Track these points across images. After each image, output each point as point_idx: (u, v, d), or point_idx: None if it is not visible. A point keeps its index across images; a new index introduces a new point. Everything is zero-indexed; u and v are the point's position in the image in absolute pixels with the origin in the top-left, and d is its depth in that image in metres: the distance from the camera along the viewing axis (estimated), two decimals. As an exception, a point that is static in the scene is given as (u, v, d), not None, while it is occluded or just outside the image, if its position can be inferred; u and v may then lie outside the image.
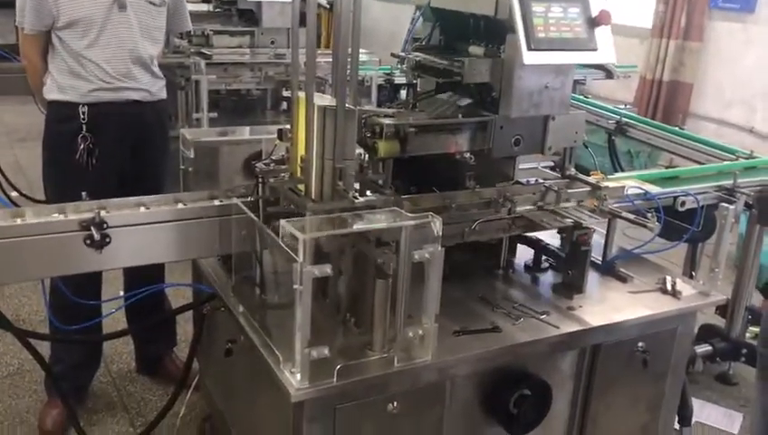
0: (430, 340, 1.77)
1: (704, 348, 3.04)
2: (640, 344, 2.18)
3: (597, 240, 2.31)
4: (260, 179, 1.94)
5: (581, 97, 4.10)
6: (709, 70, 6.18)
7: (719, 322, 3.17)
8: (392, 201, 1.85)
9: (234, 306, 2.01)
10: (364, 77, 4.63)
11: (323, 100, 1.76)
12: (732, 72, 5.97)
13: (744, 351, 3.08)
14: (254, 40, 4.42)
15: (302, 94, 1.78)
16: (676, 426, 2.58)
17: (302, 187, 1.86)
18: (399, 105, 2.41)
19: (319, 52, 4.07)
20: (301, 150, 1.84)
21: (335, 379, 1.67)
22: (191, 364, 2.37)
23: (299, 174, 1.87)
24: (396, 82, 4.78)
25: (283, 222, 1.62)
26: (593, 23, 2.02)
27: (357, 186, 1.93)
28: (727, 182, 2.57)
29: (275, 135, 2.10)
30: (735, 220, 2.48)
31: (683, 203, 2.44)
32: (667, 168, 2.73)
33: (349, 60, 1.88)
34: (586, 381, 2.17)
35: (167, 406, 2.41)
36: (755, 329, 3.57)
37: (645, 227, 2.12)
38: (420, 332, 1.77)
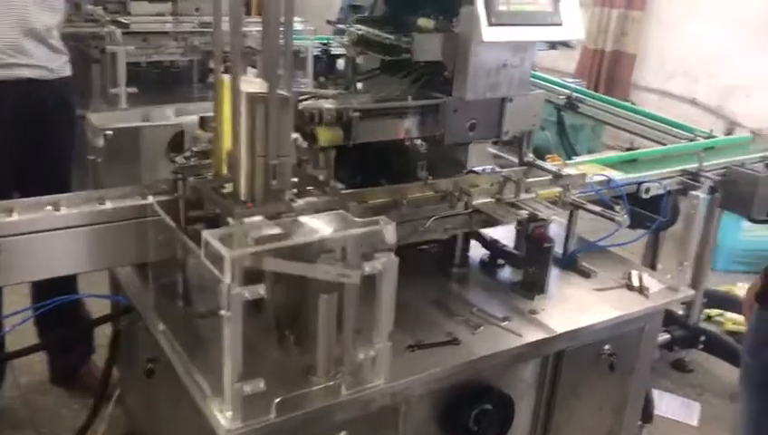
0: (383, 361, 1.54)
1: (662, 337, 2.92)
2: (606, 347, 2.01)
3: (554, 229, 2.12)
4: (179, 177, 1.65)
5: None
6: (651, 40, 6.08)
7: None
8: (337, 202, 1.60)
9: (153, 323, 1.74)
10: (299, 48, 4.31)
11: (252, 84, 1.48)
12: (674, 43, 5.88)
13: (703, 338, 2.98)
14: (176, 7, 4.02)
15: (226, 77, 1.50)
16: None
17: (229, 187, 1.58)
18: (339, 84, 2.14)
19: (249, 20, 3.74)
20: (227, 144, 1.56)
21: (273, 414, 1.43)
22: (108, 380, 2.09)
23: (225, 171, 1.59)
24: (333, 52, 4.48)
25: (205, 234, 1.35)
26: (558, -6, 1.80)
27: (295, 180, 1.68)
28: (692, 166, 2.41)
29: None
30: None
31: (647, 190, 2.27)
32: (628, 149, 2.55)
33: (282, 33, 1.60)
34: (549, 388, 1.98)
35: (85, 424, 2.12)
36: (709, 311, 3.50)
37: (613, 220, 1.93)
38: (372, 353, 1.53)
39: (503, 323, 1.85)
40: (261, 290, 1.34)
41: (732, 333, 3.47)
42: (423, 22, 2.01)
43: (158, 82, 4.21)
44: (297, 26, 4.39)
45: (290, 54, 1.57)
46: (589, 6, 6.36)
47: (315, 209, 1.53)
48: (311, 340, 1.56)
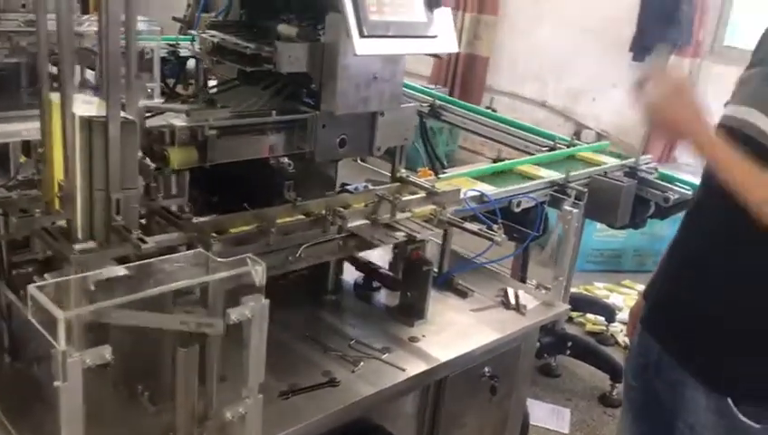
0: (253, 418, 1.36)
1: (532, 345, 2.93)
2: (486, 369, 1.94)
3: (427, 248, 2.02)
4: (0, 213, 1.37)
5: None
6: (504, 44, 6.23)
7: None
8: (195, 237, 1.39)
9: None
10: (143, 48, 3.96)
11: (88, 105, 1.24)
12: (525, 47, 6.06)
13: (570, 344, 3.02)
14: (-2, 2, 3.57)
15: (54, 97, 1.25)
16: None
17: (63, 223, 1.33)
18: (192, 97, 1.92)
19: (87, 18, 3.35)
20: (59, 174, 1.31)
21: (125, 495, 1.21)
22: None
23: (58, 206, 1.34)
24: (182, 54, 4.16)
25: (32, 289, 1.10)
26: (431, 3, 1.68)
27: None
28: (559, 177, 2.40)
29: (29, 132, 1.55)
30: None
31: (519, 203, 2.23)
32: (495, 160, 2.52)
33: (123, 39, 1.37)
34: (431, 418, 1.88)
35: None
36: (570, 313, 3.58)
37: (492, 240, 1.85)
38: (241, 409, 1.34)
39: (383, 356, 1.72)
40: (106, 353, 1.11)
41: (593, 334, 3.58)
42: (284, 29, 1.84)
43: (-21, 87, 3.71)
44: (141, 26, 4.03)
45: (134, 66, 1.35)
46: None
47: (169, 249, 1.32)
48: (169, 397, 1.35)
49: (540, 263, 2.66)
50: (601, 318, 3.54)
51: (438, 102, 3.42)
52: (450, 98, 3.65)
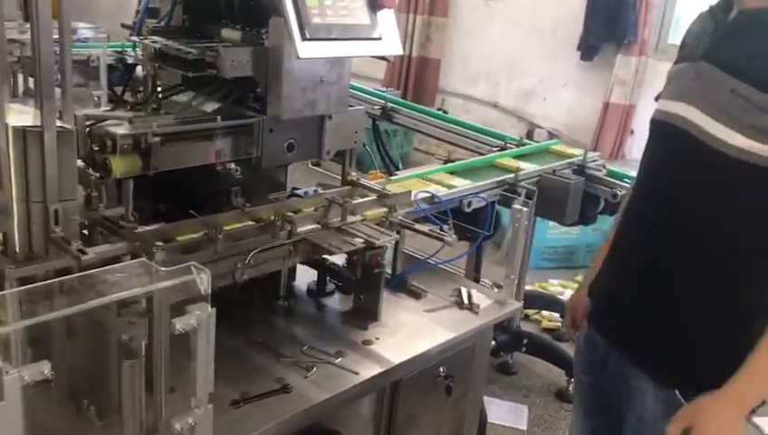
0: (204, 428, 1.33)
1: (488, 344, 2.95)
2: (441, 369, 1.94)
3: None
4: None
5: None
6: (455, 46, 6.28)
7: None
8: (138, 247, 1.36)
9: None
10: (89, 56, 3.89)
11: (23, 115, 1.20)
12: (476, 48, 6.12)
13: (525, 341, 3.05)
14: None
15: (-15, 107, 1.21)
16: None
17: (-1, 236, 1.29)
18: (139, 104, 1.89)
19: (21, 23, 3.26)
20: (-8, 186, 1.27)
21: None
22: None
23: (-8, 219, 1.30)
24: (130, 61, 4.09)
25: (-36, 306, 1.07)
26: (375, 5, 1.68)
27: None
28: (509, 176, 2.42)
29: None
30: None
31: (470, 203, 2.25)
32: (446, 161, 2.53)
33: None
34: (387, 421, 1.88)
35: None
36: (526, 311, 3.62)
37: (442, 241, 1.86)
38: (190, 420, 1.32)
39: (336, 361, 1.71)
40: (45, 369, 1.08)
41: (548, 331, 3.62)
42: (228, 33, 1.83)
43: None
44: (86, 33, 3.96)
45: (69, 74, 1.32)
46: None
47: (112, 259, 1.29)
48: (116, 410, 1.32)
49: (495, 262, 2.69)
50: (556, 314, 3.59)
51: (390, 105, 3.43)
52: (402, 100, 3.67)
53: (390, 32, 1.70)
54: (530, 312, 3.68)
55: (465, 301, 2.04)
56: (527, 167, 2.60)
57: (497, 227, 2.39)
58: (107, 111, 1.82)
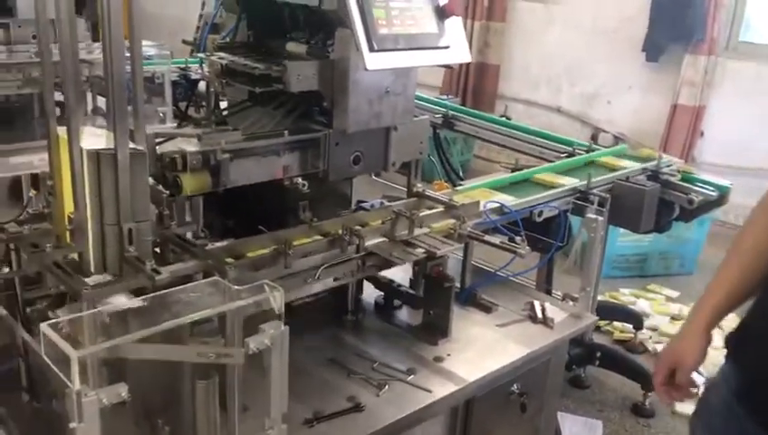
0: (278, 449, 1.31)
1: (560, 357, 2.86)
2: (515, 386, 1.88)
3: (449, 262, 1.98)
4: (11, 249, 1.34)
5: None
6: (515, 50, 6.19)
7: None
8: (210, 265, 1.35)
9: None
10: (154, 73, 3.97)
11: (96, 138, 1.21)
12: (536, 52, 6.01)
13: (599, 354, 2.95)
14: (9, 35, 3.58)
15: (61, 131, 1.22)
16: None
17: (75, 256, 1.30)
18: (204, 119, 1.89)
19: (98, 45, 3.35)
20: (69, 207, 1.28)
21: None
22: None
23: (69, 240, 1.31)
24: (193, 77, 4.15)
25: (44, 327, 1.07)
26: (442, 13, 1.64)
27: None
28: (581, 184, 2.34)
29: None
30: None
31: (540, 213, 2.18)
32: (514, 170, 2.46)
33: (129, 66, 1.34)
34: (461, 439, 1.83)
35: None
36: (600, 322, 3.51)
37: (515, 253, 1.80)
38: (264, 440, 1.30)
39: (408, 378, 1.67)
40: (123, 392, 1.08)
41: (621, 342, 3.50)
42: (293, 47, 1.81)
43: (-7, 120, 3.73)
44: (150, 51, 4.04)
45: (141, 94, 1.32)
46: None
47: (185, 277, 1.28)
48: (190, 430, 1.31)
49: (564, 271, 2.59)
50: (629, 326, 3.46)
51: (451, 112, 3.37)
52: (463, 107, 3.60)
53: (458, 40, 1.66)
54: (601, 323, 3.56)
55: (539, 315, 1.97)
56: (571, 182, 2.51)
57: (569, 237, 2.31)
58: (174, 128, 1.83)
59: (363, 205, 1.98)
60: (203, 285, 1.26)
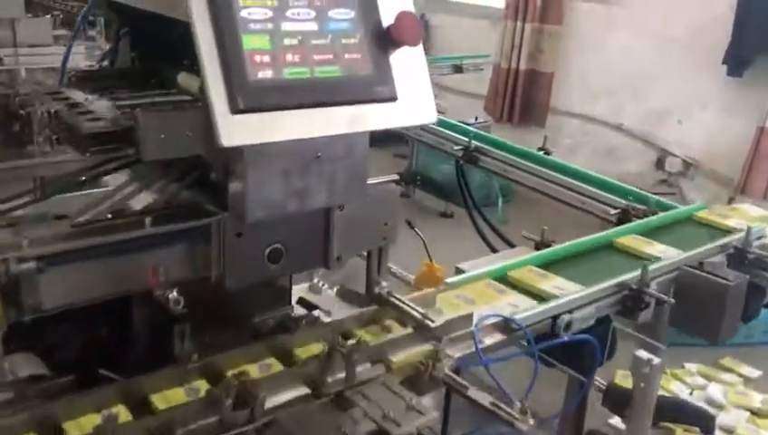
0: None
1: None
2: None
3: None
4: None
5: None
6: (571, 58, 5.40)
7: None
8: None
9: None
10: None
11: None
12: (596, 61, 5.21)
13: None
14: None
15: None
16: None
17: None
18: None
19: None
20: None
21: None
22: None
23: None
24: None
25: None
26: (385, 41, 0.96)
27: None
28: (632, 276, 1.61)
29: None
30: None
31: (568, 325, 1.47)
32: (538, 245, 1.76)
33: None
34: None
35: None
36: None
37: (512, 426, 1.11)
38: None
39: None
40: None
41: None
42: (186, 80, 1.18)
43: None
44: None
45: None
46: (499, 20, 5.67)
47: None
48: None
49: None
50: (696, 428, 2.69)
51: (474, 144, 2.69)
52: (490, 136, 2.90)
53: (415, 85, 0.98)
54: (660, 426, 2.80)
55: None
56: (659, 250, 1.80)
57: (612, 353, 1.61)
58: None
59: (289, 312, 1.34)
60: None
